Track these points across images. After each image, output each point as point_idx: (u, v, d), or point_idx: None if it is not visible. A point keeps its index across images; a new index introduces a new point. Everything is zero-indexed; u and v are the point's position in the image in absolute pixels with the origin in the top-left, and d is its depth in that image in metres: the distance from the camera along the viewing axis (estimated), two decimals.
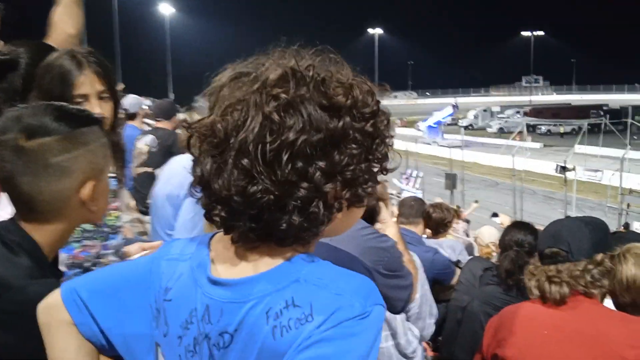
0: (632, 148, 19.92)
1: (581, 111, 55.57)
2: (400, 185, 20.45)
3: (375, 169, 0.89)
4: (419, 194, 16.58)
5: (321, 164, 0.82)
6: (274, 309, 0.83)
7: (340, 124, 0.83)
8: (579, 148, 27.28)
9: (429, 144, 39.18)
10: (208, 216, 0.89)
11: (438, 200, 6.30)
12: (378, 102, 0.89)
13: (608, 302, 1.97)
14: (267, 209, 0.82)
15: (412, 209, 3.70)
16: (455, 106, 42.89)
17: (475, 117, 59.66)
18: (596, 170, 22.28)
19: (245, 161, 0.81)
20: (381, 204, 2.08)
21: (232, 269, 0.89)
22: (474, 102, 74.45)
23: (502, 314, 2.02)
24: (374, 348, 0.82)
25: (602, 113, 50.47)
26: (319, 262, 0.88)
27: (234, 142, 0.82)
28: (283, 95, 0.82)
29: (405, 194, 14.21)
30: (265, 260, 0.88)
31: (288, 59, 0.87)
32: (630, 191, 17.47)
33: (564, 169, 19.82)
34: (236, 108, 0.84)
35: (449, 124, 46.36)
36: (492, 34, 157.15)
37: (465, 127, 48.97)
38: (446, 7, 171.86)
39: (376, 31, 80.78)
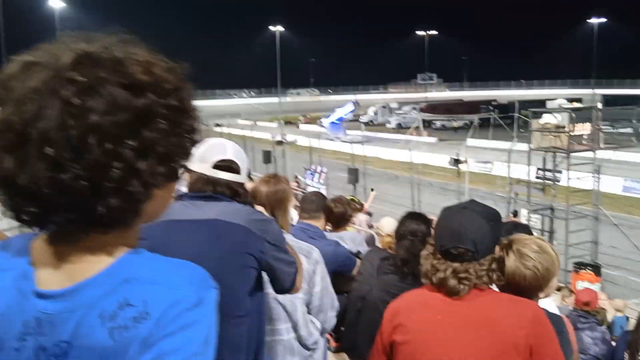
0: (519, 140, 21.17)
1: (472, 106, 58.76)
2: (306, 180, 20.65)
3: (187, 143, 0.89)
4: (324, 189, 16.84)
5: (131, 142, 0.81)
6: (107, 311, 0.81)
7: (145, 101, 0.82)
8: (470, 141, 28.90)
9: (332, 139, 39.79)
10: (16, 216, 0.84)
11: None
12: (179, 76, 0.89)
13: None
14: (80, 196, 0.79)
15: (313, 204, 3.73)
16: (355, 103, 43.95)
17: (375, 113, 61.50)
18: (486, 162, 23.70)
19: (49, 150, 0.77)
20: (258, 207, 2.12)
21: (57, 275, 0.85)
22: (373, 99, 76.32)
23: (397, 301, 2.06)
24: (211, 329, 0.84)
25: (491, 108, 53.76)
26: (146, 256, 0.87)
27: (34, 133, 0.78)
28: (80, 79, 0.79)
29: (310, 189, 14.35)
30: (90, 260, 0.85)
31: (78, 43, 0.84)
32: (518, 181, 18.58)
33: (457, 161, 20.90)
34: (31, 98, 0.79)
35: (350, 120, 47.35)
36: (389, 33, 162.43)
37: (366, 123, 50.29)
38: (346, 7, 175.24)
39: (277, 29, 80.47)
